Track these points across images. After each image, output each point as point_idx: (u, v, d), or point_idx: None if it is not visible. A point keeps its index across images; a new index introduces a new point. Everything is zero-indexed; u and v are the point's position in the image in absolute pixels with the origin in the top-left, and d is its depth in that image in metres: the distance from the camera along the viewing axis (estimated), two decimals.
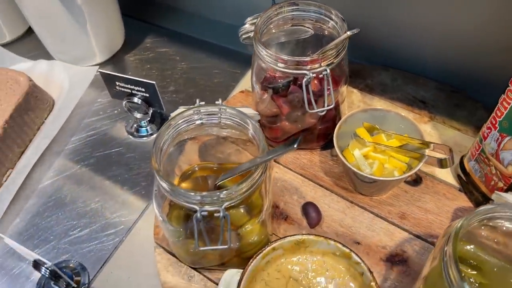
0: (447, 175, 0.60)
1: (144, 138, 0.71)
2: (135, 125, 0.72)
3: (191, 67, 0.80)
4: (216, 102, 0.48)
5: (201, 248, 0.43)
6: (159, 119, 0.73)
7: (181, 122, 0.47)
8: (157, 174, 0.42)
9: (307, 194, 0.59)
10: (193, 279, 0.53)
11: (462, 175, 0.58)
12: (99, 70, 0.66)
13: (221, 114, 0.47)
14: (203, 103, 0.48)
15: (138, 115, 0.70)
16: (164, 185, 0.42)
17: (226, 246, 0.43)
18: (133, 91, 0.67)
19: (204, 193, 0.41)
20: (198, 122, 0.47)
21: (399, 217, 0.56)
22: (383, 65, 0.73)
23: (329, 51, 0.52)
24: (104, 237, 0.59)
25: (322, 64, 0.52)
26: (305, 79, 0.52)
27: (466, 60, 0.66)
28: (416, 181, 0.60)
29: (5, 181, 0.65)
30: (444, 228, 0.42)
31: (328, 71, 0.52)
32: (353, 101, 0.69)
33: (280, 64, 0.53)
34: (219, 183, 0.47)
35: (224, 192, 0.41)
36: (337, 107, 0.60)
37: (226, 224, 0.42)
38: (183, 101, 0.75)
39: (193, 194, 0.41)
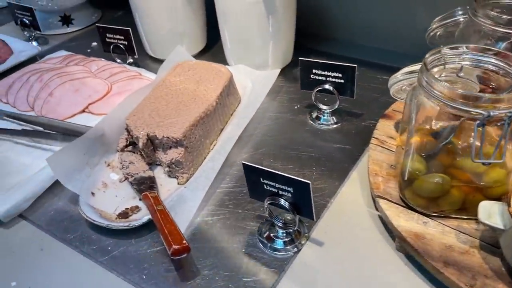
0: None
1: (326, 126, 0.75)
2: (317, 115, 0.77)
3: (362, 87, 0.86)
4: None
5: (476, 161, 0.45)
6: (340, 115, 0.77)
7: None
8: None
9: None
10: (428, 224, 0.53)
11: None
12: (300, 58, 0.73)
13: None
14: None
15: (324, 107, 0.75)
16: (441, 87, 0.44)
17: (500, 161, 0.44)
18: (328, 78, 0.72)
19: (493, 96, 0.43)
20: None
21: None
22: None
23: None
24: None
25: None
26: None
27: None
28: None
29: (212, 149, 0.69)
30: None
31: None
32: None
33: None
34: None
35: None
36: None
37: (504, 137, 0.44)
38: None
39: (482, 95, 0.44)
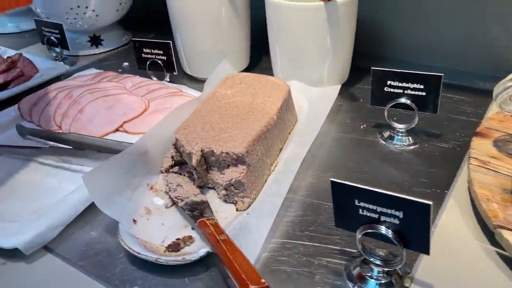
0: None
1: (401, 147, 0.64)
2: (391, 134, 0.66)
3: None
4: None
5: None
6: (417, 135, 0.66)
7: None
8: None
9: None
10: None
11: None
12: (373, 67, 0.63)
13: None
14: None
15: (400, 126, 0.65)
16: None
17: None
18: (405, 91, 0.62)
19: None
20: None
21: None
22: None
23: None
24: None
25: None
26: None
27: None
28: None
29: (273, 170, 0.58)
30: None
31: None
32: None
33: None
34: None
35: None
36: None
37: None
38: None
39: None
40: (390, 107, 0.64)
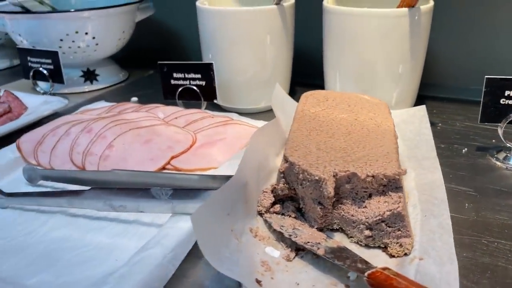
0: None
1: None
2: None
3: None
4: None
5: None
6: None
7: None
8: None
9: None
10: None
11: None
12: (487, 76, 0.53)
13: None
14: None
15: None
16: None
17: None
18: None
19: None
20: None
21: None
22: None
23: None
24: None
25: None
26: None
27: None
28: None
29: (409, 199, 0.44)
30: None
31: None
32: None
33: None
34: None
35: None
36: None
37: None
38: None
39: None
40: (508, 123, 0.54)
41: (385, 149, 0.42)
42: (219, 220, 0.36)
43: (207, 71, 0.65)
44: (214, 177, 0.46)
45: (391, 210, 0.38)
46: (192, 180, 0.46)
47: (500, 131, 0.55)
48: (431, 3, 0.62)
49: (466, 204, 0.47)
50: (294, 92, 0.80)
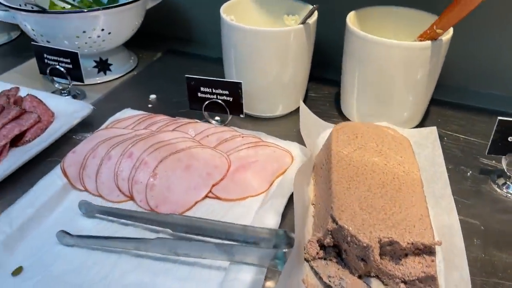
0: None
1: None
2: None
3: None
4: None
5: None
6: None
7: None
8: None
9: None
10: None
11: None
12: (500, 118, 0.59)
13: None
14: None
15: None
16: None
17: None
18: None
19: None
20: None
21: None
22: None
23: None
24: None
25: None
26: None
27: None
28: None
29: None
30: None
31: None
32: None
33: None
34: None
35: None
36: None
37: None
38: None
39: None
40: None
41: (418, 211, 0.48)
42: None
43: (235, 89, 0.68)
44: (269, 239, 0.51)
45: (425, 272, 0.45)
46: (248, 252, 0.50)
47: (504, 162, 0.62)
48: (451, 33, 0.66)
49: (475, 240, 0.55)
50: (307, 88, 0.83)
